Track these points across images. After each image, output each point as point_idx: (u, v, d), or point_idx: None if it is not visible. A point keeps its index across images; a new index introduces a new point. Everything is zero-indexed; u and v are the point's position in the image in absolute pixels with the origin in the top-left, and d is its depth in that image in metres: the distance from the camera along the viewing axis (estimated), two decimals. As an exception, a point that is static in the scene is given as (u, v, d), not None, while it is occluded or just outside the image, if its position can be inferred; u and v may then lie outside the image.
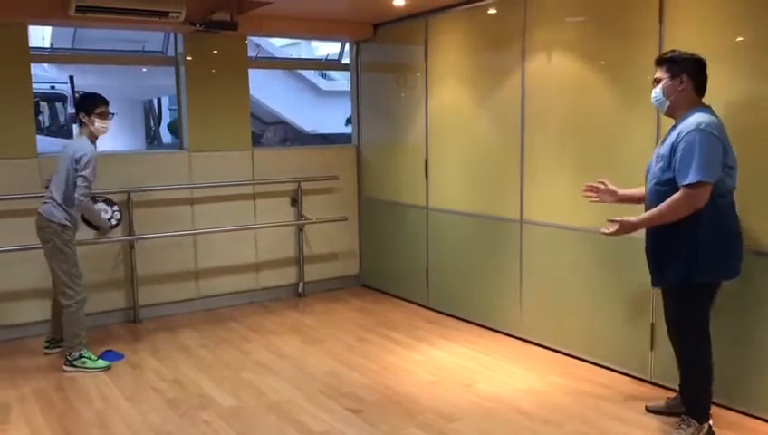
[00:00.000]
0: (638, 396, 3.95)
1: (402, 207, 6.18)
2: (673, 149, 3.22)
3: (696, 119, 3.19)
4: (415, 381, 4.29)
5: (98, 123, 4.57)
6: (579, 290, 4.54)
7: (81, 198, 4.46)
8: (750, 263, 3.47)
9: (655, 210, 3.26)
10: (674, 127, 3.34)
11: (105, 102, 4.62)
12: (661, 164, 3.28)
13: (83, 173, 4.43)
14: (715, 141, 3.15)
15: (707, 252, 3.23)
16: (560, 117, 4.60)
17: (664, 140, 3.38)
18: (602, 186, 3.75)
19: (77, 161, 4.44)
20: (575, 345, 4.61)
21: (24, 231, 4.89)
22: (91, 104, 4.57)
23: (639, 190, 3.62)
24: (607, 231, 3.39)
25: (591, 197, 3.81)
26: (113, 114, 4.67)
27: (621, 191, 3.74)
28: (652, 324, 4.06)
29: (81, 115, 4.59)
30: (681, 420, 3.41)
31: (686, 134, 3.17)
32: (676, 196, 3.19)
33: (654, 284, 3.50)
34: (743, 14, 3.54)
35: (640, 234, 3.55)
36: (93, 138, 4.61)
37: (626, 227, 3.34)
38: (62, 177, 4.50)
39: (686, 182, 3.13)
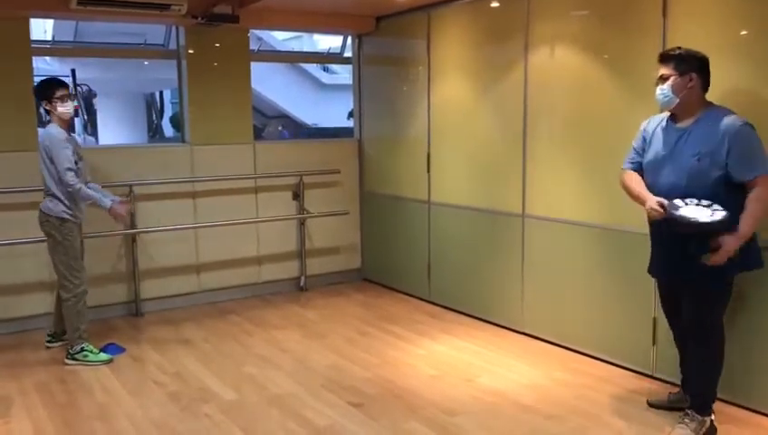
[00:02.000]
0: (640, 391, 3.95)
1: (404, 202, 6.17)
2: (722, 146, 3.14)
3: (734, 116, 3.18)
4: (416, 376, 4.29)
5: (60, 108, 4.48)
6: (581, 285, 4.54)
7: (72, 186, 4.39)
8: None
9: (750, 216, 3.13)
10: (690, 123, 3.28)
11: (63, 85, 4.54)
12: (707, 160, 3.18)
13: (56, 162, 4.38)
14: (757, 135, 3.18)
15: (748, 245, 3.20)
16: (562, 111, 4.59)
17: (687, 138, 3.27)
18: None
19: (47, 151, 4.41)
20: (577, 340, 4.61)
21: (26, 224, 4.89)
22: (48, 91, 4.49)
23: (642, 181, 3.50)
24: (712, 262, 3.18)
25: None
26: (74, 94, 4.55)
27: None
28: (654, 319, 4.06)
29: (43, 104, 4.52)
30: (684, 414, 3.41)
31: (738, 131, 3.13)
32: (760, 190, 3.12)
33: (683, 279, 3.37)
34: (746, 7, 3.52)
35: (643, 227, 3.55)
36: (64, 124, 4.54)
37: (728, 247, 3.13)
38: (43, 170, 4.49)
39: (762, 173, 3.11)
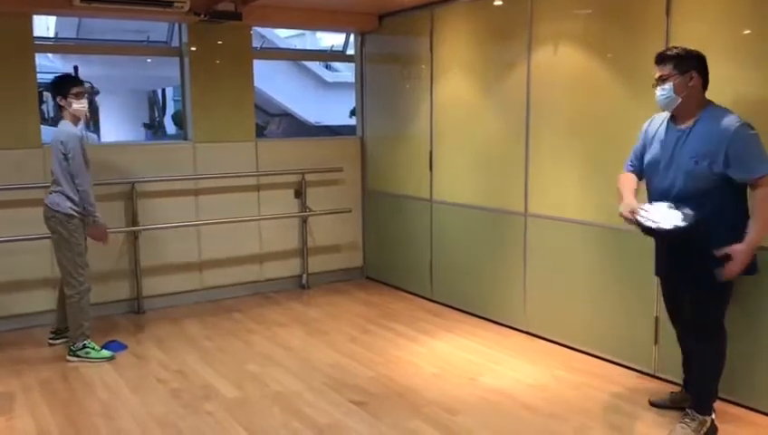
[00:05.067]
0: (642, 390, 3.95)
1: (406, 200, 6.17)
2: (720, 148, 3.11)
3: (732, 116, 3.16)
4: (419, 374, 4.29)
5: (75, 104, 4.51)
6: (583, 284, 4.54)
7: (81, 187, 4.43)
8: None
9: (757, 221, 3.10)
10: (690, 124, 3.27)
11: (79, 82, 4.59)
12: (706, 162, 3.16)
13: (71, 161, 4.40)
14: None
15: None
16: (565, 110, 4.58)
17: (685, 139, 3.26)
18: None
19: (64, 147, 4.41)
20: (579, 339, 4.61)
21: (29, 221, 4.90)
22: (64, 86, 4.52)
23: (634, 185, 3.52)
24: (728, 275, 3.15)
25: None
26: (90, 93, 4.59)
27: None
28: (656, 318, 4.06)
29: (58, 99, 4.54)
30: (685, 413, 3.41)
31: (736, 132, 3.10)
32: (765, 191, 3.08)
33: (682, 278, 3.39)
34: (750, 5, 3.52)
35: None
36: (76, 120, 4.56)
37: (741, 258, 3.10)
38: (56, 166, 4.48)
39: (765, 172, 3.07)
